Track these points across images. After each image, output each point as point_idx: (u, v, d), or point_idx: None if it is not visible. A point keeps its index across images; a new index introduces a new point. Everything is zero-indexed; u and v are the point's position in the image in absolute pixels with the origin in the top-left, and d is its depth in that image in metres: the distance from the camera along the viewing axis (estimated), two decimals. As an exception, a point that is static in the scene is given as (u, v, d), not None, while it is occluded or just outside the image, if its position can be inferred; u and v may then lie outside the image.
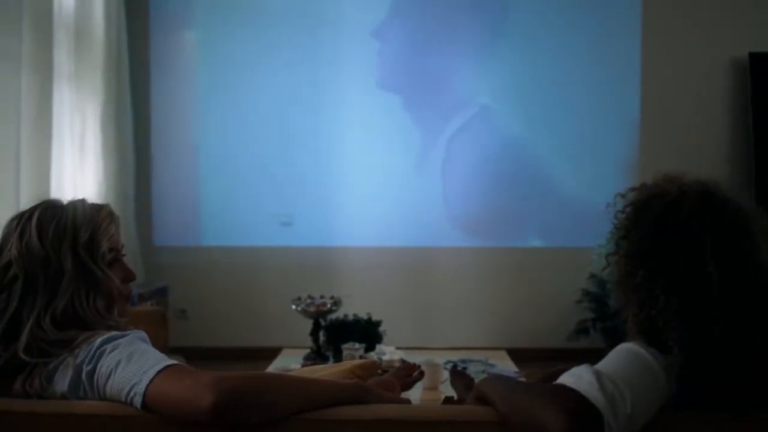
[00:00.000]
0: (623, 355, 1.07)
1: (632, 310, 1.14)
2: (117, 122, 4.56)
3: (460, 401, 1.76)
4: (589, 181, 4.89)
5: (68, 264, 1.24)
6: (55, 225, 1.26)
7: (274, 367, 3.10)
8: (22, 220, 1.28)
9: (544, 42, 4.93)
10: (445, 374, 2.69)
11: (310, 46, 4.98)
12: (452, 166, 4.97)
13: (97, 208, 1.33)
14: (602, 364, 1.06)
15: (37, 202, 1.33)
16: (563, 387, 1.01)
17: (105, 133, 4.43)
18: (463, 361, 3.08)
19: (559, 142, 4.94)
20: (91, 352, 1.16)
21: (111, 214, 1.34)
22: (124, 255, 1.37)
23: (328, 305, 3.30)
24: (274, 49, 5.01)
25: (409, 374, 2.06)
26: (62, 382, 1.17)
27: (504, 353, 3.41)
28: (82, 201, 1.34)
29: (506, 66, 4.94)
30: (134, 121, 4.84)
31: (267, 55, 5.01)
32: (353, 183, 4.98)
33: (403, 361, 2.81)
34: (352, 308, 3.40)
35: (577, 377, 1.02)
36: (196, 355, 4.00)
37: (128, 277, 1.36)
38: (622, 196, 1.21)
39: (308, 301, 3.34)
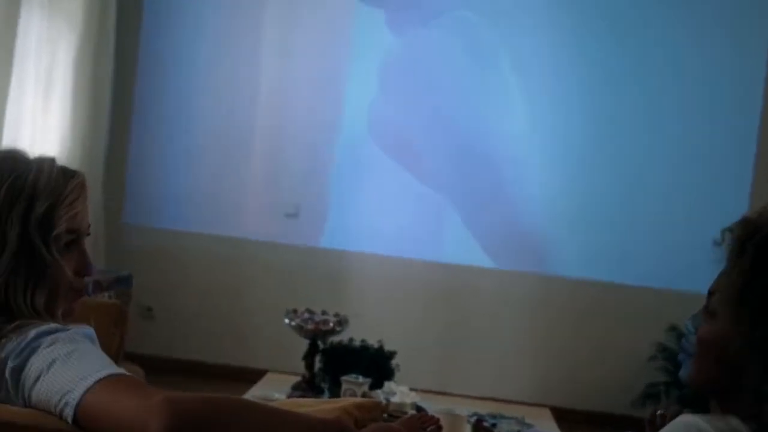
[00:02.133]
0: (681, 429, 1.07)
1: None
2: (94, 61, 4.60)
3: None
4: (684, 209, 4.84)
5: (12, 235, 1.23)
6: (11, 183, 1.25)
7: (252, 394, 3.11)
8: None
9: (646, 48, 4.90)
10: (468, 429, 2.67)
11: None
12: (498, 165, 4.95)
13: (67, 176, 1.31)
14: None
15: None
16: None
17: (78, 72, 4.48)
18: (493, 416, 3.08)
19: (652, 163, 4.90)
20: (21, 345, 1.15)
21: (82, 187, 1.32)
22: (88, 234, 1.35)
23: (331, 324, 3.30)
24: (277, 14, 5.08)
25: (422, 426, 2.04)
26: (-21, 380, 1.17)
27: (547, 411, 3.41)
28: (52, 162, 1.32)
29: (590, 74, 4.92)
30: (116, 63, 4.87)
31: (276, 20, 5.08)
32: (375, 173, 4.98)
33: (417, 408, 2.80)
34: (360, 331, 3.39)
35: None
36: (157, 366, 4.04)
37: (84, 269, 1.34)
38: (731, 231, 1.19)
39: (306, 315, 3.34)
